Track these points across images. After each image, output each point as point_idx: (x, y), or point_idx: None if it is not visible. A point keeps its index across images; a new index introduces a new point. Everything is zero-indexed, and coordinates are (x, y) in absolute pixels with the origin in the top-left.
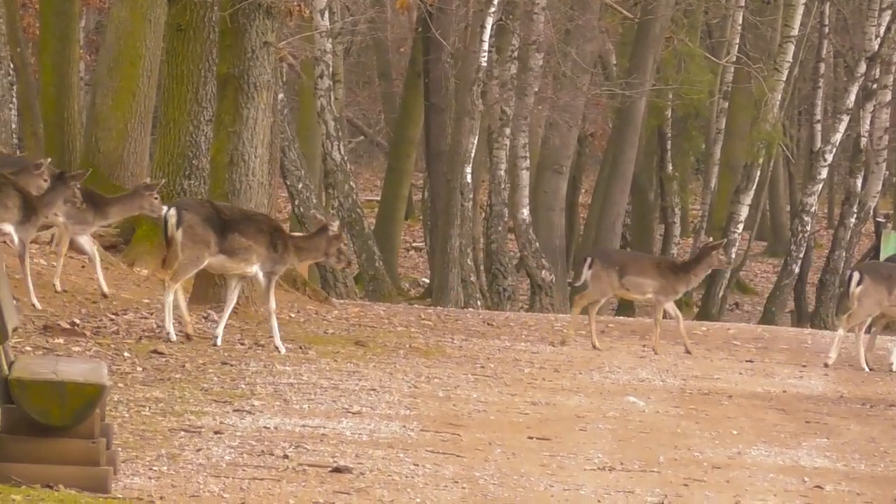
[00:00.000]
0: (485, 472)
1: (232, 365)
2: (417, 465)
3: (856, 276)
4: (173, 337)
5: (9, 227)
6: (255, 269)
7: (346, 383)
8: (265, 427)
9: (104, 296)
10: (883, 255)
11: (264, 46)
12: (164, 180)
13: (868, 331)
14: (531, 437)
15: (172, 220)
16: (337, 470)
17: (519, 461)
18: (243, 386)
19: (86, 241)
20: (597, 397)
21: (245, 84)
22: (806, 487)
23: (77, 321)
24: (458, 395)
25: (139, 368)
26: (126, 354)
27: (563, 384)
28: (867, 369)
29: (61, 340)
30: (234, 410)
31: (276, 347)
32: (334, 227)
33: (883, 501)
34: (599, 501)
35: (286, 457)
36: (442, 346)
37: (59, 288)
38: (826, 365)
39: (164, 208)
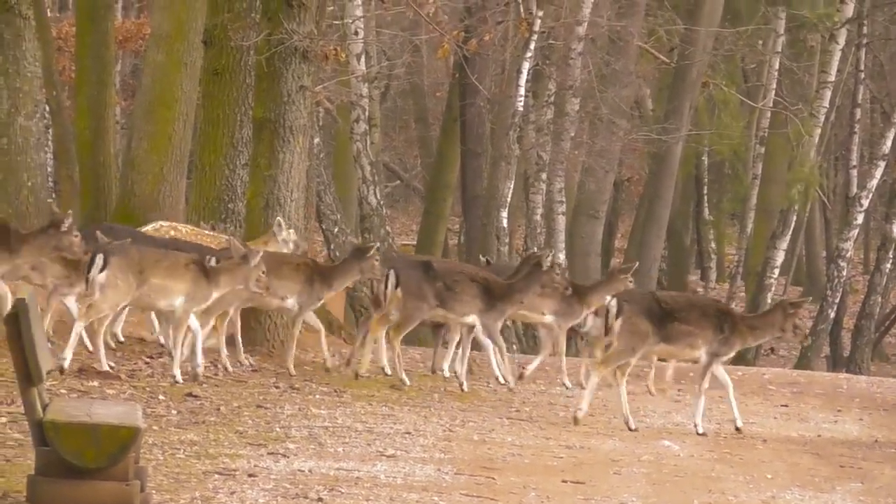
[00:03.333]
0: None
1: (267, 408)
2: None
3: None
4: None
5: (472, 318)
6: (701, 353)
7: (381, 426)
8: (299, 470)
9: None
10: None
11: (300, 90)
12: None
13: None
14: (565, 481)
15: (613, 310)
16: None
17: None
18: (278, 429)
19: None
20: (631, 441)
21: (281, 128)
22: None
23: (112, 364)
24: (492, 439)
25: (174, 411)
26: (161, 397)
27: (597, 428)
28: None
29: (96, 383)
30: (269, 453)
31: (696, 426)
32: (791, 302)
33: None
34: None
35: (320, 500)
36: (477, 390)
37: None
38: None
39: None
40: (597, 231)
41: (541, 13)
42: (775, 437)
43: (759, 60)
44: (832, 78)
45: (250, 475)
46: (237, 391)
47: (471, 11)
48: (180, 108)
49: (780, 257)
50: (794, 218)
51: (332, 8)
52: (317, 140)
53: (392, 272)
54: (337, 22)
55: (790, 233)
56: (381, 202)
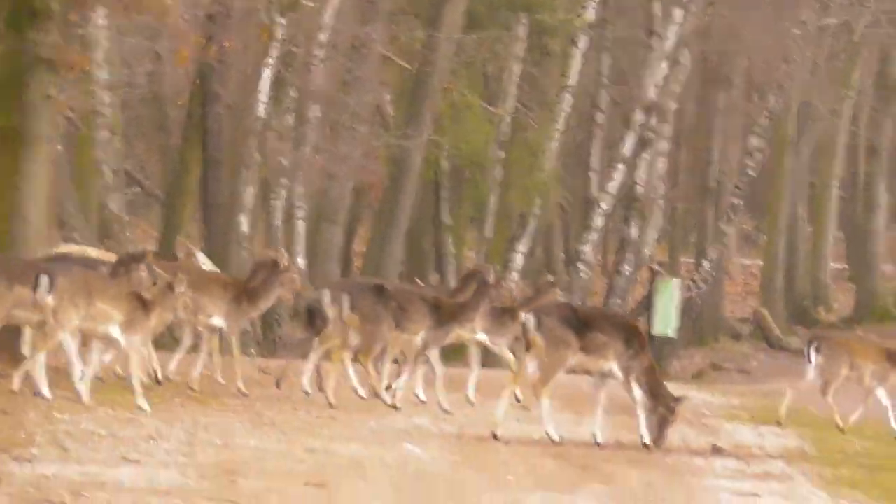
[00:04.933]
0: None
1: (10, 414)
2: None
3: None
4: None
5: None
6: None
7: (124, 431)
8: (43, 475)
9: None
10: (657, 302)
11: (45, 100)
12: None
13: None
14: (308, 484)
15: (531, 324)
16: None
17: None
18: (22, 434)
19: None
20: (375, 444)
21: (25, 137)
22: None
23: None
24: (235, 443)
25: None
26: None
27: (340, 431)
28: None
29: None
30: (13, 458)
31: (641, 437)
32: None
33: None
34: None
35: None
36: (218, 394)
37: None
38: None
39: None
40: (336, 236)
41: (283, 20)
42: (518, 440)
43: (500, 66)
44: (572, 82)
45: None
46: None
47: (213, 19)
48: None
49: (519, 260)
50: (534, 222)
51: (74, 17)
52: (59, 147)
53: (346, 296)
54: (80, 31)
55: (529, 236)
56: (123, 209)
